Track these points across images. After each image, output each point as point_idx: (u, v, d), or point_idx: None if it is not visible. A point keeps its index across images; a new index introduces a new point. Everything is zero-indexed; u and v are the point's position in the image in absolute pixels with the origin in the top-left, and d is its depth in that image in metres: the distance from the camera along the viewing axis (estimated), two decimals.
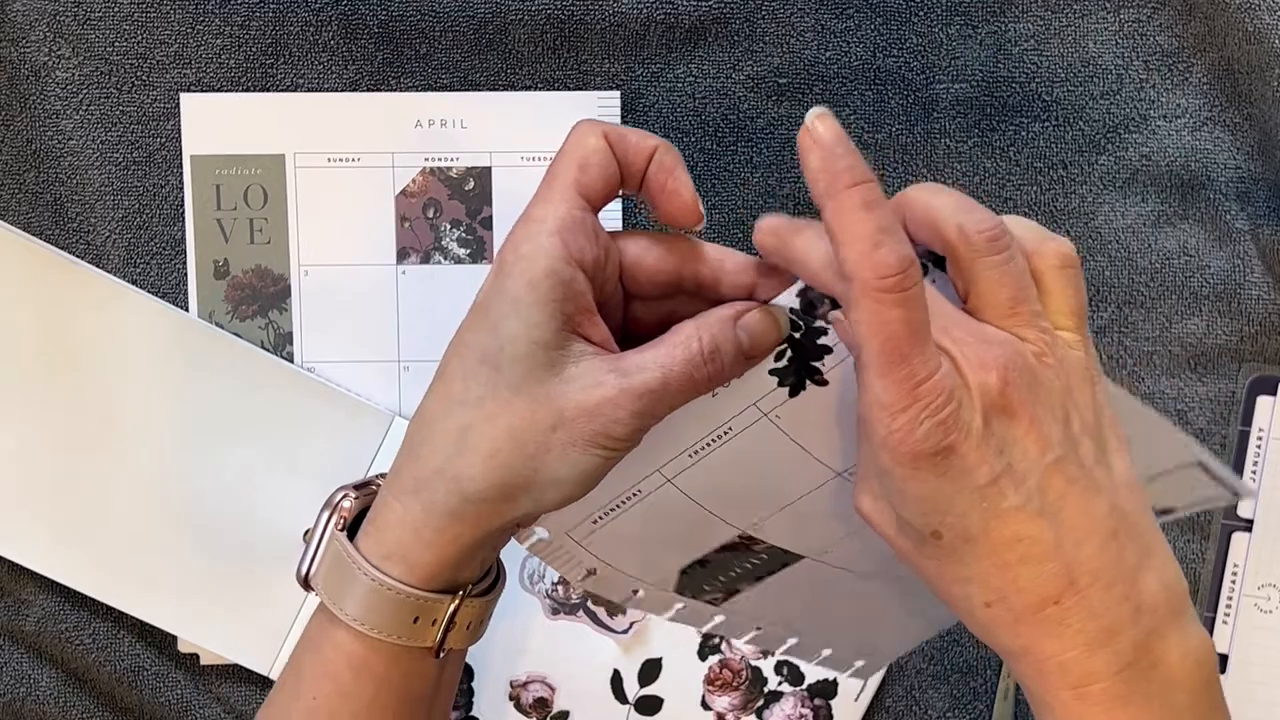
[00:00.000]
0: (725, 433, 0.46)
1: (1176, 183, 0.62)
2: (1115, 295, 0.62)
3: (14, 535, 0.60)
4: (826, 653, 0.56)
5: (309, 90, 0.61)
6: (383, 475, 0.46)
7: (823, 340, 0.44)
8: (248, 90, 0.61)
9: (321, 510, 0.45)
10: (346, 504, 0.45)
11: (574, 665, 0.62)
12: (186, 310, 0.61)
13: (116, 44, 0.60)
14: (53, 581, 0.61)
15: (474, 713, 0.62)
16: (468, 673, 0.62)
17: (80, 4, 0.60)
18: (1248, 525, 0.62)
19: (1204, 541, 0.63)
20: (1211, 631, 0.62)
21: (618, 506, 0.48)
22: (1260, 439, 0.62)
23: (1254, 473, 0.62)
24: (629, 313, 0.46)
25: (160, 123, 0.61)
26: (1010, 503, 0.39)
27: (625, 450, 0.42)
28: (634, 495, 0.48)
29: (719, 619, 0.54)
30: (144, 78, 0.60)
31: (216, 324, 0.61)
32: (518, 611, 0.61)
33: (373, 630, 0.43)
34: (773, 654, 0.57)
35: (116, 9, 0.60)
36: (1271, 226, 0.61)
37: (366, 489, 0.45)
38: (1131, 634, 0.40)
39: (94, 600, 0.61)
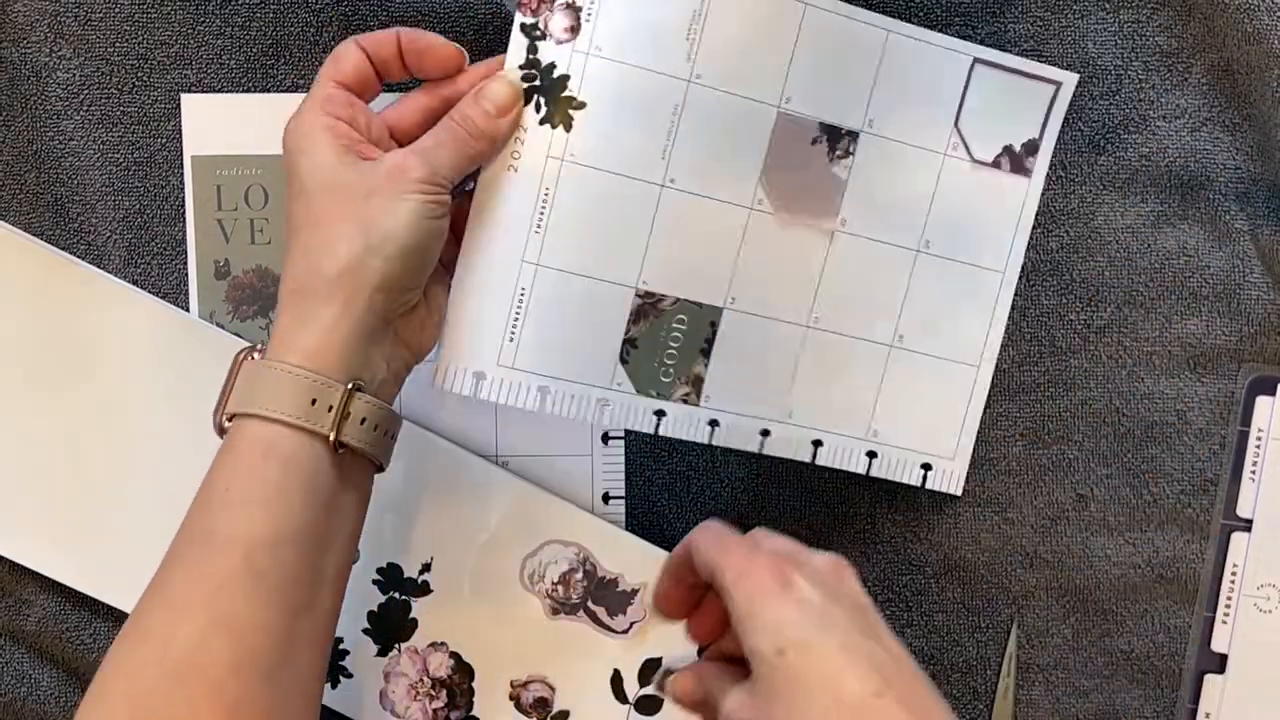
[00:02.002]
0: (545, 194, 0.53)
1: (1176, 183, 0.62)
2: (1115, 295, 0.62)
3: (14, 535, 0.60)
4: (831, 432, 0.58)
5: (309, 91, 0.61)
6: None
7: (559, 73, 0.52)
8: (248, 91, 0.61)
9: (230, 367, 0.53)
10: (256, 356, 0.52)
11: (574, 665, 0.62)
12: (187, 310, 0.61)
13: (117, 45, 0.60)
14: (53, 581, 0.61)
15: (474, 712, 0.62)
16: (468, 672, 0.62)
17: (81, 5, 0.60)
18: (1247, 525, 0.62)
19: (1203, 541, 0.63)
20: (1211, 631, 0.62)
21: (515, 315, 0.53)
22: (1260, 439, 0.62)
23: (1253, 473, 0.62)
24: None
25: (161, 123, 0.61)
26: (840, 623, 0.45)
27: (433, 192, 0.50)
28: (520, 295, 0.54)
29: (718, 426, 0.57)
30: (145, 78, 0.60)
31: (217, 324, 0.61)
32: (518, 611, 0.61)
33: (276, 411, 0.48)
34: (804, 459, 0.59)
35: (117, 10, 0.60)
36: (1271, 227, 0.61)
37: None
38: None
39: (94, 600, 0.61)
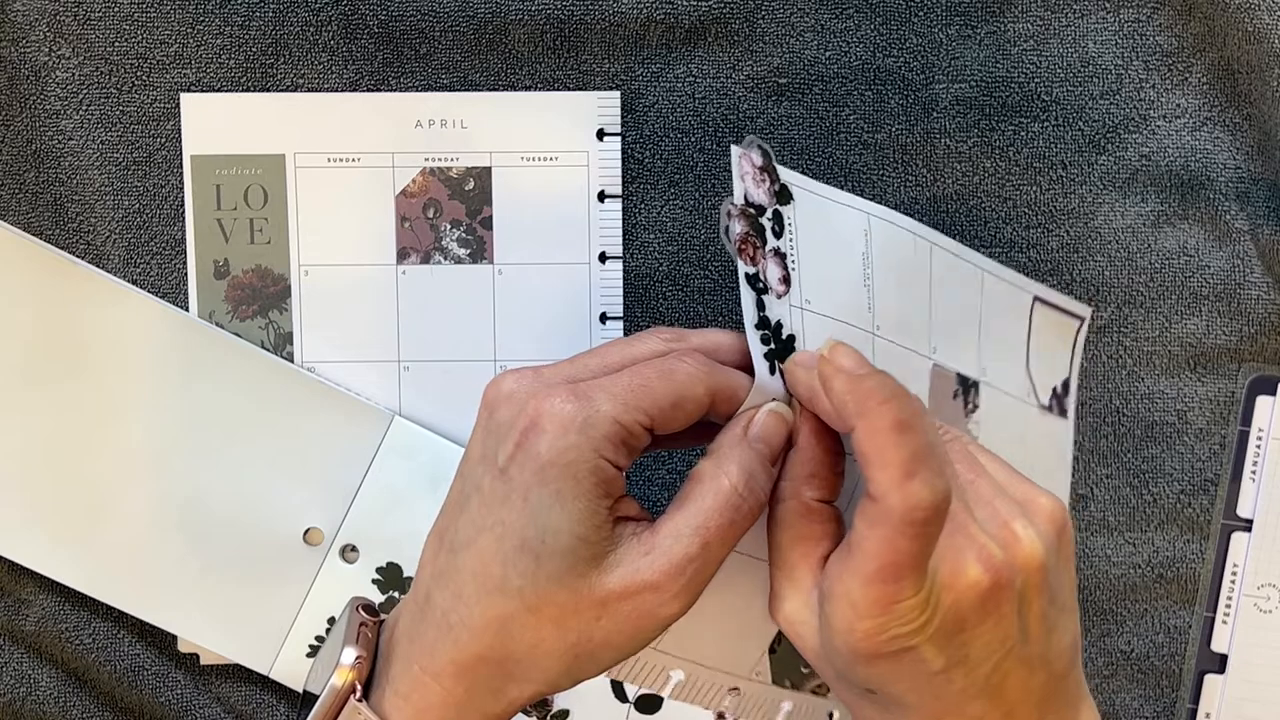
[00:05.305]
0: None
1: (1176, 183, 0.62)
2: (1115, 295, 0.62)
3: (14, 535, 0.60)
4: None
5: (309, 90, 0.61)
6: (366, 607, 0.45)
7: (786, 332, 0.44)
8: (248, 90, 0.61)
9: (326, 671, 0.44)
10: (349, 662, 0.43)
11: None
12: (187, 310, 0.61)
13: (116, 44, 0.60)
14: (53, 581, 0.61)
15: None
16: None
17: (80, 4, 0.60)
18: (1247, 525, 0.62)
19: (1204, 541, 0.63)
20: (1211, 631, 0.62)
21: None
22: (1260, 439, 0.62)
23: (1254, 473, 0.62)
24: None
25: (160, 123, 0.61)
26: (956, 687, 0.39)
27: (679, 618, 0.41)
28: None
29: (838, 715, 0.52)
30: (144, 78, 0.60)
31: (217, 324, 0.61)
32: None
33: None
34: None
35: (116, 9, 0.60)
36: (1271, 226, 0.61)
37: (363, 636, 0.44)
38: None
39: (94, 600, 0.61)
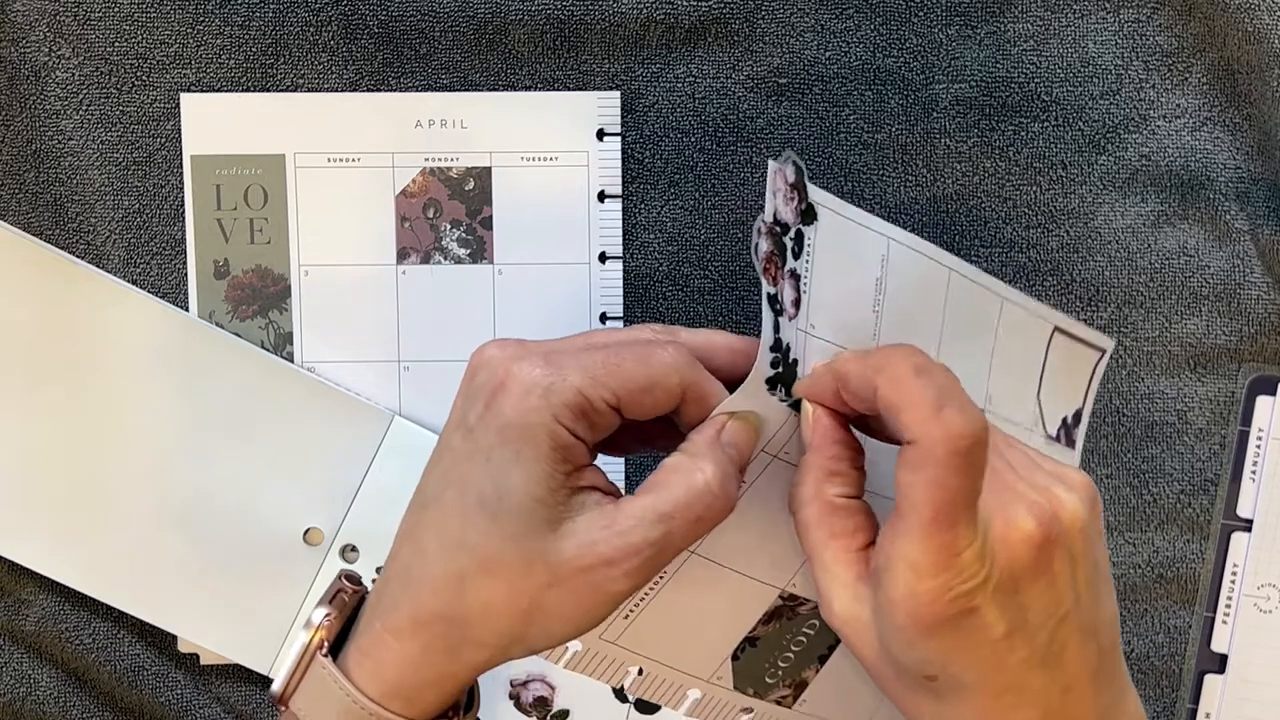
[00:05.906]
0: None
1: (1176, 183, 0.62)
2: (1115, 295, 0.62)
3: (14, 535, 0.60)
4: None
5: (309, 90, 0.61)
6: (350, 576, 0.46)
7: (792, 356, 0.44)
8: (248, 90, 0.61)
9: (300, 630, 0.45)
10: (326, 622, 0.44)
11: None
12: (187, 310, 0.61)
13: (116, 44, 0.60)
14: (53, 581, 0.61)
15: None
16: None
17: (80, 4, 0.60)
18: (1247, 525, 0.62)
19: (1204, 541, 0.63)
20: (1211, 631, 0.62)
21: (645, 594, 0.46)
22: (1260, 439, 0.62)
23: (1254, 473, 0.62)
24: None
25: (160, 123, 0.61)
26: (1018, 656, 0.39)
27: (627, 597, 0.42)
28: (659, 578, 0.46)
29: None
30: (144, 78, 0.60)
31: (217, 324, 0.61)
32: None
33: None
34: None
35: (116, 9, 0.60)
36: (1271, 226, 0.61)
37: (338, 599, 0.45)
38: None
39: (94, 600, 0.61)
